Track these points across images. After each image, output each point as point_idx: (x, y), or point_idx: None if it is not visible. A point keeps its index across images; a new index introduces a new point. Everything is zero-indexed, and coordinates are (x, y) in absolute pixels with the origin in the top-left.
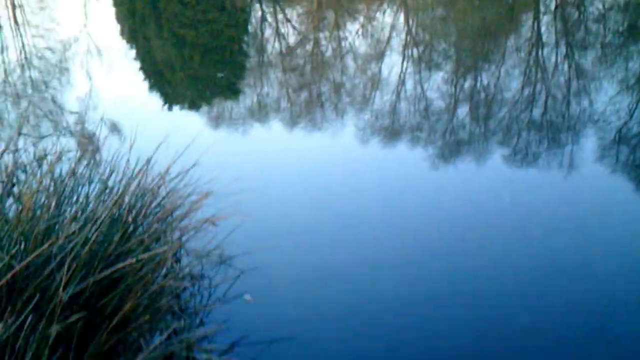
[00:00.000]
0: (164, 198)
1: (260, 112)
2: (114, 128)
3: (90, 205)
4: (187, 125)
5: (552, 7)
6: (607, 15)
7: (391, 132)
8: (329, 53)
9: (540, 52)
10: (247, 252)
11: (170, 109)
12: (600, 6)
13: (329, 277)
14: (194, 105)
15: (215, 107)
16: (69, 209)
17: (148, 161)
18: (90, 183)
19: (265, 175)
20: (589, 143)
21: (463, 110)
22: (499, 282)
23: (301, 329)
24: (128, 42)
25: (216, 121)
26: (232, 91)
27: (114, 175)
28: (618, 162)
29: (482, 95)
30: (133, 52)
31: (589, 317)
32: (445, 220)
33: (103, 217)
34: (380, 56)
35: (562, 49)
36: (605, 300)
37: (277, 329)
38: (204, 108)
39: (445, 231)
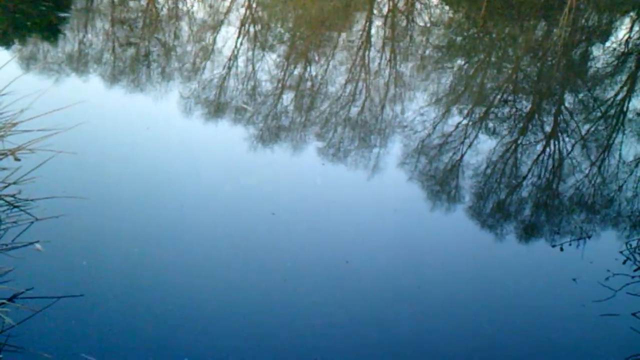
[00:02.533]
0: None
1: (80, 60)
2: None
3: None
4: None
5: (385, 11)
6: (431, 30)
7: (215, 107)
8: (163, 12)
9: (366, 53)
10: (48, 197)
11: None
12: (427, 19)
13: (131, 237)
14: (4, 40)
15: (31, 45)
16: None
17: None
18: None
19: (81, 122)
20: (394, 148)
21: (288, 97)
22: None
23: (92, 287)
24: None
25: (28, 60)
26: (52, 32)
27: None
28: (415, 170)
29: (308, 84)
30: None
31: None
32: (246, 190)
33: None
34: (216, 27)
35: (387, 54)
36: None
37: (66, 284)
38: (17, 45)
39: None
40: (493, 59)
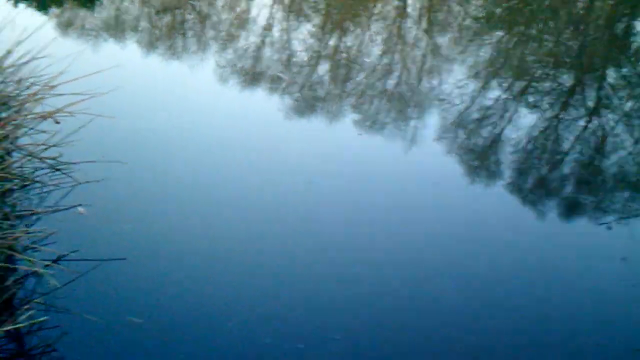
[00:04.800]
0: None
1: (116, 26)
2: None
3: None
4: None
5: None
6: (470, 0)
7: (250, 76)
8: None
9: (403, 23)
10: (88, 161)
11: (15, 4)
12: None
13: (169, 200)
14: (43, 6)
15: (68, 10)
16: None
17: None
18: None
19: (117, 87)
20: (431, 121)
21: (323, 68)
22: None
23: (133, 251)
24: None
25: (65, 25)
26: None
27: None
28: (454, 144)
29: (344, 56)
30: None
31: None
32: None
33: None
34: None
35: (424, 24)
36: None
37: (108, 248)
38: (55, 10)
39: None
40: (533, 31)
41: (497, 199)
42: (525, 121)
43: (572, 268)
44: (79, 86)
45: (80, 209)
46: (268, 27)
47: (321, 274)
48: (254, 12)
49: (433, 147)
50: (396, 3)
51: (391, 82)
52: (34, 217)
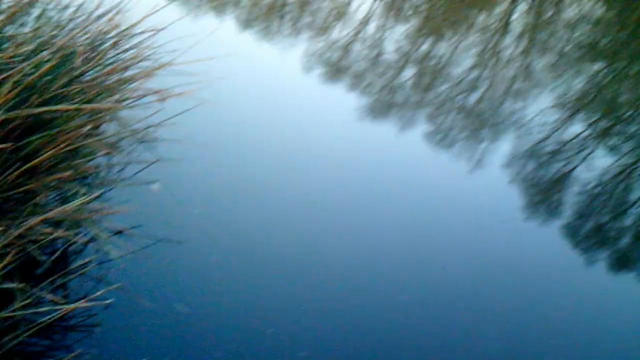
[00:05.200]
0: (119, 54)
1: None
2: None
3: (42, 38)
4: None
5: None
6: (577, 25)
7: (335, 69)
8: None
9: (501, 39)
10: (176, 140)
11: None
12: (574, 13)
13: (246, 192)
14: None
15: None
16: (18, 33)
17: (116, 9)
18: (45, 16)
19: (226, 74)
20: (504, 145)
21: (408, 72)
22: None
23: (196, 234)
24: None
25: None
26: None
27: (75, 15)
28: (519, 175)
29: (431, 62)
30: None
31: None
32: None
33: (53, 51)
34: None
35: (524, 42)
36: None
37: (174, 228)
38: None
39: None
40: (638, 67)
41: (552, 242)
42: (602, 163)
43: None
44: (187, 69)
45: (154, 186)
46: (363, 23)
47: (390, 281)
48: (354, 5)
49: (499, 174)
50: (500, 16)
51: (473, 99)
52: (110, 187)
